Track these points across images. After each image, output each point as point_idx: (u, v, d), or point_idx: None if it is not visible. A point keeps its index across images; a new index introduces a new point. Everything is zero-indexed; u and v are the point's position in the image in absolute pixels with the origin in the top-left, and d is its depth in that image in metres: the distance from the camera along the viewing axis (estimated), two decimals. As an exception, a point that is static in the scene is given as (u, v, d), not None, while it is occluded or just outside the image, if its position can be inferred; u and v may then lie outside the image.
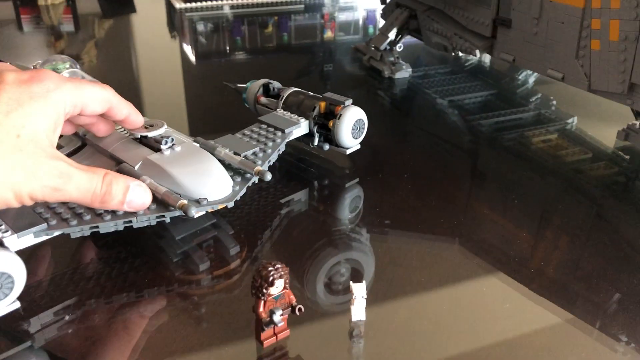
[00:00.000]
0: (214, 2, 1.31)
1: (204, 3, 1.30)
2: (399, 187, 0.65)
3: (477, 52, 0.77)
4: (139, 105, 0.64)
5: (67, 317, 0.45)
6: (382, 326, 0.45)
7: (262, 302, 0.38)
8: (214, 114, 0.86)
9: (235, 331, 0.44)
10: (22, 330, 0.45)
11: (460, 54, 0.84)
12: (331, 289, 0.49)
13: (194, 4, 1.30)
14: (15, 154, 0.40)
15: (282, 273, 0.38)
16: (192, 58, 1.18)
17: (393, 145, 0.77)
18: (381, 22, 1.34)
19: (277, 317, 0.38)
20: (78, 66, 0.64)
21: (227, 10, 1.33)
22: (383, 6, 0.97)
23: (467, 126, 0.84)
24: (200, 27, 1.30)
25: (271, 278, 0.37)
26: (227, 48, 1.24)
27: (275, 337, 0.40)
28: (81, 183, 0.43)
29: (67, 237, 0.47)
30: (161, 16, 1.40)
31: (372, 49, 0.89)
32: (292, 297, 0.39)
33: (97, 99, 0.47)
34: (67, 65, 0.63)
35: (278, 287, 0.38)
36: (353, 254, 0.54)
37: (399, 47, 0.90)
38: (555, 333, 0.46)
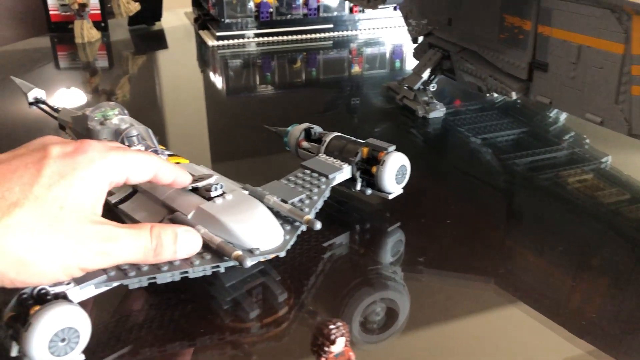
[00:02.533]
0: (245, 40, 1.34)
1: (235, 41, 1.33)
2: (438, 231, 0.66)
3: (513, 94, 0.78)
4: (171, 140, 0.65)
5: None
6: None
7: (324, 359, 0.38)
8: (246, 149, 0.88)
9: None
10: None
11: (495, 95, 0.85)
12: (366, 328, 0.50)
13: (225, 42, 1.33)
14: (58, 226, 0.40)
15: (344, 332, 0.38)
16: (224, 93, 1.20)
17: (430, 186, 0.77)
18: (408, 57, 1.36)
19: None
20: (126, 112, 0.66)
21: (257, 47, 1.35)
22: (415, 45, 0.99)
23: (501, 165, 0.84)
24: (232, 63, 1.32)
25: (333, 337, 0.38)
26: (257, 83, 1.26)
27: (335, 392, 0.40)
28: (130, 242, 0.44)
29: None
30: (192, 53, 1.43)
31: (405, 88, 0.90)
32: (351, 353, 0.40)
33: (142, 168, 0.48)
34: (116, 112, 0.65)
35: (339, 345, 0.38)
36: (391, 294, 0.55)
37: (432, 87, 0.91)
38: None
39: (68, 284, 0.44)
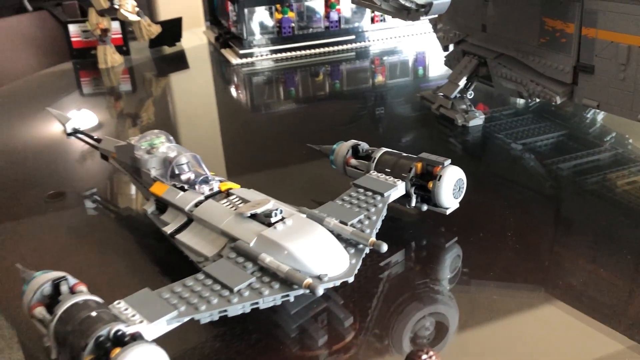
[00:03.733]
0: (268, 57, 1.33)
1: (258, 57, 1.33)
2: (493, 243, 0.64)
3: (557, 98, 0.76)
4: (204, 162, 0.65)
5: None
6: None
7: (418, 391, 0.37)
8: (282, 167, 0.87)
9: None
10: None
11: (537, 100, 0.83)
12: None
13: (249, 59, 1.33)
14: None
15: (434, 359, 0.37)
16: (249, 110, 1.20)
17: (478, 197, 0.76)
18: (431, 64, 1.35)
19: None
20: (172, 139, 0.65)
21: (280, 62, 1.35)
22: (446, 53, 0.98)
23: (545, 171, 0.83)
24: (255, 80, 1.32)
25: (426, 366, 0.36)
26: (282, 98, 1.26)
27: None
28: None
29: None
30: (215, 71, 1.43)
31: (442, 97, 0.89)
32: (442, 381, 0.39)
33: None
34: (162, 140, 0.64)
35: (432, 374, 0.37)
36: (446, 309, 0.55)
37: (469, 95, 0.90)
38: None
39: (141, 322, 0.43)
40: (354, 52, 1.41)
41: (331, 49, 1.40)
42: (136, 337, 0.41)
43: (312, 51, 1.37)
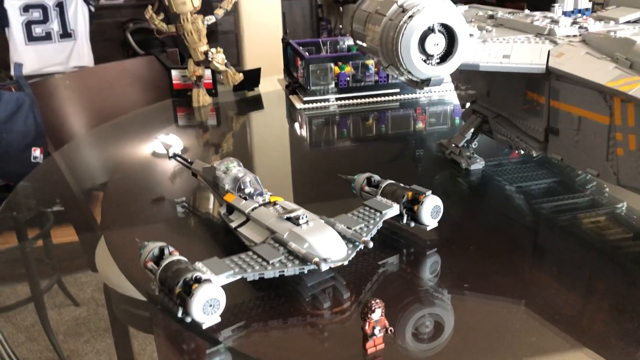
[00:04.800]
0: (327, 103, 1.62)
1: (318, 104, 1.61)
2: (471, 256, 0.87)
3: (534, 152, 0.99)
4: (264, 183, 0.91)
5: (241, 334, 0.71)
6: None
7: (367, 322, 0.62)
8: (323, 192, 1.13)
9: (347, 346, 0.68)
10: (212, 337, 0.71)
11: (522, 152, 1.06)
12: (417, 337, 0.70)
13: (310, 105, 1.62)
14: None
15: (380, 306, 0.62)
16: (307, 146, 1.48)
17: (468, 223, 0.99)
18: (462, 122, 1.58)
19: (376, 331, 0.62)
20: (241, 164, 0.94)
21: (336, 109, 1.63)
22: (463, 110, 1.22)
23: (530, 209, 1.04)
24: (315, 122, 1.60)
25: (373, 307, 0.61)
26: (336, 137, 1.53)
27: (375, 347, 0.63)
28: None
29: (239, 285, 0.73)
30: (283, 113, 1.73)
31: (453, 145, 1.14)
32: (386, 322, 0.63)
33: None
34: (235, 164, 0.92)
35: (377, 314, 0.62)
36: (433, 309, 0.75)
37: (474, 145, 1.14)
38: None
39: (211, 274, 0.70)
40: (398, 103, 1.67)
41: (379, 99, 1.66)
42: (208, 281, 0.68)
43: (363, 100, 1.64)
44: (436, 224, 0.86)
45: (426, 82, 0.90)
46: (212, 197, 1.05)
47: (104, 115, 1.70)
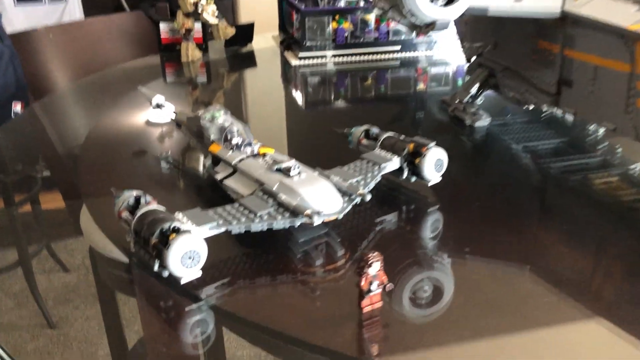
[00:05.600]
0: (323, 60, 1.54)
1: (314, 60, 1.53)
2: (474, 216, 0.81)
3: (545, 106, 0.92)
4: (258, 138, 0.85)
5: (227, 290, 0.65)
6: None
7: (364, 277, 0.56)
8: (319, 150, 1.07)
9: (340, 305, 0.62)
10: (193, 294, 0.65)
11: (532, 106, 0.99)
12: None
13: (306, 61, 1.54)
14: None
15: (378, 259, 0.55)
16: (303, 105, 1.40)
17: (471, 181, 0.92)
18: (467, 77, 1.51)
19: (374, 287, 0.55)
20: (229, 113, 0.86)
21: (333, 66, 1.55)
22: (468, 64, 1.15)
23: (537, 168, 0.98)
24: (311, 80, 1.53)
25: (370, 261, 0.55)
26: (332, 97, 1.46)
27: (371, 305, 0.57)
28: None
29: (224, 239, 0.66)
30: (277, 71, 1.65)
31: (457, 101, 1.06)
32: (384, 277, 0.57)
33: None
34: (222, 113, 0.85)
35: (375, 268, 0.55)
36: (432, 272, 0.69)
37: (479, 100, 1.07)
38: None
39: (191, 225, 0.64)
40: (398, 61, 1.59)
41: (379, 57, 1.58)
42: (187, 231, 0.61)
43: (362, 57, 1.56)
44: (439, 179, 0.80)
45: (430, 27, 0.82)
46: (201, 153, 0.98)
47: (89, 71, 1.61)
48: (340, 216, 0.69)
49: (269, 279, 0.67)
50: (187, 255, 0.59)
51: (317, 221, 0.66)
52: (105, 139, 1.15)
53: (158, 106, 1.02)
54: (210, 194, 0.87)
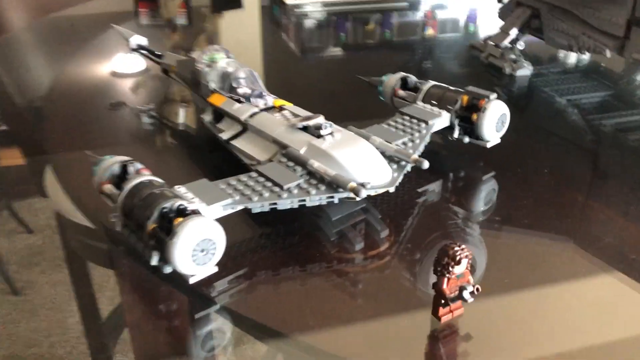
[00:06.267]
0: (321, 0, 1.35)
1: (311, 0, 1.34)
2: (526, 186, 0.66)
3: (607, 52, 0.77)
4: None
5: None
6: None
7: (447, 279, 0.41)
8: (328, 101, 0.90)
9: (395, 307, 0.48)
10: (204, 294, 0.49)
11: (587, 54, 0.84)
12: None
13: (302, 1, 1.35)
14: None
15: (468, 253, 0.40)
16: (297, 52, 1.22)
17: (519, 143, 0.78)
18: (482, 22, 1.35)
19: (466, 294, 0.40)
20: (232, 55, 0.69)
21: (332, 7, 1.36)
22: (500, 5, 0.98)
23: (587, 125, 0.84)
24: (307, 23, 1.34)
25: (458, 257, 0.40)
26: (331, 43, 1.28)
27: (451, 313, 0.43)
28: None
29: (234, 214, 0.51)
30: (266, 12, 1.46)
31: (492, 45, 0.90)
32: (470, 277, 0.42)
33: None
34: (222, 55, 0.68)
35: (463, 265, 0.40)
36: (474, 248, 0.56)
37: (520, 46, 0.91)
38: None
39: (201, 203, 0.47)
40: (407, 2, 1.42)
41: (385, -3, 1.40)
42: (197, 213, 0.45)
43: (366, -3, 1.38)
44: (499, 140, 0.65)
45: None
46: (190, 106, 0.80)
47: (49, 10, 1.39)
48: (392, 189, 0.54)
49: (297, 269, 0.52)
50: (199, 247, 0.43)
51: (363, 195, 0.50)
52: (72, 89, 0.96)
53: (139, 48, 0.83)
54: (209, 158, 0.70)
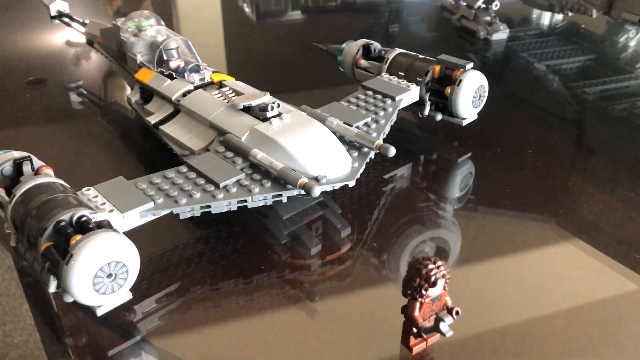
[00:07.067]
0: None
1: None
2: (504, 165, 0.58)
3: (594, 11, 0.68)
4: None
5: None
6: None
7: (419, 304, 0.32)
8: (283, 73, 0.80)
9: (358, 329, 0.39)
10: (125, 320, 0.40)
11: (570, 14, 0.75)
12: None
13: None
14: None
15: (444, 272, 0.32)
16: (253, 17, 1.11)
17: (495, 116, 0.69)
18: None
19: (444, 327, 0.32)
20: (162, 22, 0.58)
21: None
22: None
23: (569, 94, 0.76)
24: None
25: (433, 278, 0.31)
26: (289, 7, 1.17)
27: (425, 342, 0.34)
28: None
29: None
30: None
31: (464, 6, 0.81)
32: (447, 298, 0.34)
33: None
34: (152, 22, 0.57)
35: (438, 287, 0.32)
36: (443, 232, 0.49)
37: (495, 6, 0.82)
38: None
39: (111, 211, 0.38)
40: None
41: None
42: (103, 226, 0.36)
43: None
44: (476, 116, 0.56)
45: None
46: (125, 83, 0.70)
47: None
48: (353, 182, 0.45)
49: (242, 280, 0.43)
50: (104, 272, 0.34)
51: (318, 193, 0.41)
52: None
53: (59, 15, 0.72)
54: (142, 145, 0.60)
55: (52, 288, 0.35)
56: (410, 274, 0.32)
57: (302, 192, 0.41)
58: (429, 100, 0.55)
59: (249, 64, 0.86)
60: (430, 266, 0.32)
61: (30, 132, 0.63)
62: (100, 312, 0.36)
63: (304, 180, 0.41)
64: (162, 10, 1.14)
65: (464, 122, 0.55)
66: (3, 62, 0.81)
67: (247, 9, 1.16)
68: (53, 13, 0.72)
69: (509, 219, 0.52)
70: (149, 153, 0.57)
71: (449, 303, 0.34)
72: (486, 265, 0.47)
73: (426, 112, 0.56)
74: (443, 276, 0.32)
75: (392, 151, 0.46)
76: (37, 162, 0.42)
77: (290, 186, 0.42)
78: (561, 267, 0.47)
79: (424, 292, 0.32)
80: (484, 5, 0.80)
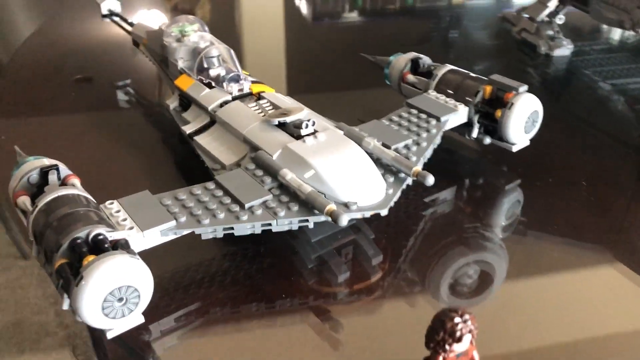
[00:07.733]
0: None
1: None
2: (558, 192, 0.54)
3: (669, 30, 0.63)
4: (249, 67, 0.56)
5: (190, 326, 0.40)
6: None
7: (441, 356, 0.30)
8: (334, 82, 0.78)
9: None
10: (140, 338, 0.39)
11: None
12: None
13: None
14: None
15: (472, 327, 0.29)
16: (309, 18, 1.09)
17: (552, 139, 0.65)
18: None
19: (467, 388, 0.29)
20: (206, 29, 0.57)
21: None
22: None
23: (634, 117, 0.71)
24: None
25: (459, 333, 0.29)
26: (347, 8, 1.15)
27: (448, 399, 0.31)
28: None
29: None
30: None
31: (526, 19, 0.77)
32: (475, 352, 0.31)
33: None
34: (195, 28, 0.56)
35: (464, 343, 0.29)
36: (488, 256, 0.47)
37: (559, 20, 0.77)
38: None
39: (130, 228, 0.37)
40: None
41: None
42: (119, 246, 0.35)
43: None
44: (528, 142, 0.52)
45: None
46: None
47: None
48: (385, 212, 0.42)
49: (264, 305, 0.41)
50: (114, 296, 0.33)
51: (345, 221, 0.39)
52: (34, 56, 0.84)
53: (110, 14, 0.72)
54: (181, 151, 0.59)
55: (65, 306, 0.35)
56: (435, 325, 0.29)
57: (330, 219, 0.39)
58: (478, 122, 0.52)
59: (297, 67, 0.85)
60: (457, 319, 0.29)
61: (69, 131, 0.63)
62: (110, 336, 0.35)
63: (332, 207, 0.39)
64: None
65: (514, 148, 0.52)
66: (55, 59, 0.82)
67: (303, 9, 1.14)
68: (104, 12, 0.72)
69: (559, 254, 0.48)
70: (186, 161, 0.56)
71: (477, 358, 0.31)
72: (534, 296, 0.43)
73: (474, 134, 0.52)
74: (470, 331, 0.29)
75: (430, 180, 0.43)
76: (65, 171, 0.41)
77: (317, 212, 0.40)
78: (615, 300, 0.43)
79: (447, 347, 0.29)
80: (547, 19, 0.76)
